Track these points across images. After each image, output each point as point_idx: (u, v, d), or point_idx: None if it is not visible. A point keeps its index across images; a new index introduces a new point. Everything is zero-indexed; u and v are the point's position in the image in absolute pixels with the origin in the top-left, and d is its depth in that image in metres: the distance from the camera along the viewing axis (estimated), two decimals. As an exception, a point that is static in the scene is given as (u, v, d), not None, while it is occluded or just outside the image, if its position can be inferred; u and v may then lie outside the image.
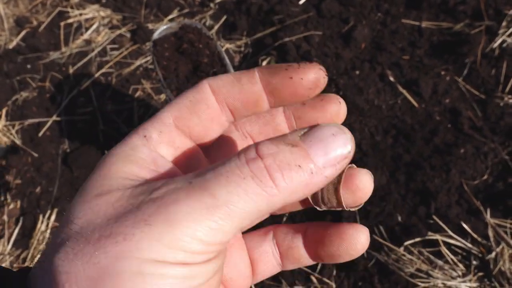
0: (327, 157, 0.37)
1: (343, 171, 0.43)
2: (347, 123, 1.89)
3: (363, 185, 0.45)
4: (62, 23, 2.47)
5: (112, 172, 0.38)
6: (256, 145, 0.37)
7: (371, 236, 1.66)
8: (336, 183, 0.44)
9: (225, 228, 0.34)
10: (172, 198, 0.34)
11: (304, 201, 0.48)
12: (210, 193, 0.34)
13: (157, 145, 0.41)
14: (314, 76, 0.43)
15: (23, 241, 1.85)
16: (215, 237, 0.34)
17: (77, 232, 0.34)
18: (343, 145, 0.38)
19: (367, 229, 0.45)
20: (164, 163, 0.40)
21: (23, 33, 2.44)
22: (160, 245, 0.33)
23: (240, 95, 0.43)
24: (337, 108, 0.48)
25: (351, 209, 0.46)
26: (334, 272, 1.63)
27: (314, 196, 0.46)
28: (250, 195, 0.34)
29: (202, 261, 0.35)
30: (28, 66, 2.35)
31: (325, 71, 0.44)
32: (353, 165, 0.46)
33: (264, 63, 2.14)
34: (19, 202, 1.95)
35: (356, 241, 0.44)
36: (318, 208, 0.46)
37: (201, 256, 0.34)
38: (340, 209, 0.45)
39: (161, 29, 1.45)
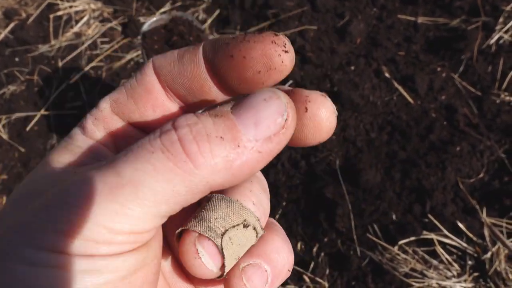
0: (258, 128, 0.30)
1: None
2: (341, 119, 1.86)
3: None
4: (51, 16, 2.41)
5: (46, 164, 0.35)
6: (176, 118, 0.31)
7: (364, 235, 1.63)
8: None
9: (134, 213, 0.28)
10: (78, 179, 0.30)
11: None
12: (115, 171, 0.29)
13: (92, 133, 0.37)
14: (260, 53, 0.33)
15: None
16: (122, 223, 0.28)
17: None
18: (276, 112, 0.31)
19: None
20: (101, 151, 0.37)
21: (11, 25, 2.39)
22: (54, 233, 0.28)
23: (181, 78, 0.36)
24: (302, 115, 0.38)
25: None
26: (327, 271, 1.60)
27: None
28: (160, 171, 0.29)
29: (110, 253, 0.29)
30: (16, 59, 2.29)
31: (284, 43, 0.33)
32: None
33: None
34: (5, 198, 1.90)
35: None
36: None
37: (108, 248, 0.29)
38: None
39: (151, 21, 1.41)
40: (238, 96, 0.35)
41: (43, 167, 0.35)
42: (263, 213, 0.38)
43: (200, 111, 0.35)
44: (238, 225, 0.36)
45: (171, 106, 0.38)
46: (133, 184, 0.28)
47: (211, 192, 0.33)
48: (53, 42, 2.35)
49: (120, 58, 2.27)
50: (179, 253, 0.35)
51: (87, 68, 2.24)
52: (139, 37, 2.18)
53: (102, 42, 2.35)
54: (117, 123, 0.38)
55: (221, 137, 0.30)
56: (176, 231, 0.36)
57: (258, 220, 0.37)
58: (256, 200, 0.38)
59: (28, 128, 2.05)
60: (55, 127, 2.07)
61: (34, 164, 1.97)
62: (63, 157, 0.35)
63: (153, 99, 0.37)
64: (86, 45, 2.32)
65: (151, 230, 0.30)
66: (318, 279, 1.58)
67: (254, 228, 0.37)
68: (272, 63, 0.33)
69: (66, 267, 0.28)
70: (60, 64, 2.26)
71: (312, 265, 1.61)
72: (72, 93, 2.17)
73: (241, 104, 0.31)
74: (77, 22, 2.42)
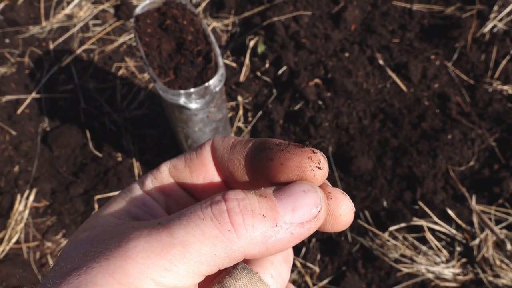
0: (295, 214, 0.35)
1: None
2: (334, 106, 1.86)
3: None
4: (42, -4, 2.37)
5: (105, 210, 0.41)
6: (227, 191, 0.36)
7: (355, 221, 1.64)
8: None
9: (180, 270, 0.33)
10: (136, 234, 0.34)
11: None
12: (168, 231, 0.34)
13: (149, 189, 0.44)
14: (296, 164, 0.38)
15: (0, 221, 1.79)
16: (168, 278, 0.33)
17: (57, 263, 0.36)
18: (312, 203, 0.36)
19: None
20: (153, 205, 0.43)
21: (1, 6, 2.34)
22: (112, 280, 0.33)
23: (229, 164, 0.42)
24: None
25: None
26: (318, 257, 1.62)
27: None
28: (207, 236, 0.33)
29: None
30: (7, 41, 2.26)
31: (319, 160, 0.38)
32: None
33: (251, 42, 2.09)
34: (-4, 182, 1.88)
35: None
36: None
37: None
38: None
39: (144, 3, 1.39)
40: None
41: (104, 213, 0.41)
42: (281, 284, 0.44)
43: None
44: None
45: (218, 180, 0.44)
46: (182, 245, 0.33)
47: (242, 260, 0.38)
48: (44, 23, 2.31)
49: (112, 41, 2.25)
50: None
51: (79, 51, 2.21)
52: (131, 20, 2.15)
53: (94, 25, 2.31)
54: (171, 184, 0.44)
55: (263, 215, 0.35)
56: None
57: None
58: (276, 272, 0.43)
59: (19, 111, 2.03)
60: (47, 110, 2.06)
61: (25, 147, 1.95)
62: (122, 206, 0.42)
63: (205, 171, 0.43)
64: (78, 27, 2.29)
65: (190, 286, 0.35)
66: (309, 264, 1.60)
67: None
68: (305, 175, 0.38)
69: None
70: (51, 46, 2.23)
71: (303, 251, 1.63)
72: (63, 76, 2.15)
73: (283, 190, 0.37)
74: (68, 3, 2.38)
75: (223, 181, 0.44)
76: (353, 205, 0.41)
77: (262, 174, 0.40)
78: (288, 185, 0.37)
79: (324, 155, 0.39)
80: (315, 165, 0.38)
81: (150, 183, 0.44)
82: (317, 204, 0.36)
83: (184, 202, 0.44)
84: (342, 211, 0.39)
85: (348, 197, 0.40)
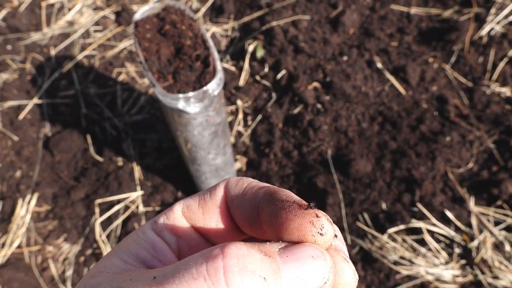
0: (299, 280, 0.32)
1: None
2: (333, 109, 1.87)
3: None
4: (43, 3, 2.40)
5: (115, 251, 0.40)
6: (227, 243, 0.33)
7: (354, 224, 1.65)
8: None
9: None
10: None
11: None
12: None
13: (161, 230, 0.42)
14: (297, 227, 0.35)
15: (2, 226, 1.81)
16: None
17: None
18: (319, 274, 0.33)
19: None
20: (162, 249, 0.41)
21: (3, 13, 2.37)
22: None
23: (240, 209, 0.40)
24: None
25: None
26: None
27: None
28: None
29: None
30: (8, 47, 2.28)
31: (322, 226, 0.35)
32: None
33: (251, 47, 2.11)
34: (-2, 187, 1.90)
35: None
36: None
37: None
38: None
39: (143, 9, 1.41)
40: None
41: (113, 255, 0.40)
42: None
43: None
44: None
45: (231, 224, 0.42)
46: None
47: None
48: (45, 30, 2.33)
49: (113, 47, 2.27)
50: None
51: (80, 57, 2.23)
52: (132, 26, 2.17)
53: (95, 31, 2.34)
54: (183, 225, 0.43)
55: (264, 278, 0.31)
56: None
57: None
58: None
59: (21, 117, 2.05)
60: (48, 116, 2.07)
61: (27, 152, 1.97)
62: (131, 249, 0.40)
63: (218, 214, 0.42)
64: (79, 33, 2.31)
65: None
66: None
67: None
68: (305, 239, 0.35)
69: None
70: (52, 52, 2.25)
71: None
72: (65, 82, 2.17)
73: (289, 251, 0.33)
74: (69, 10, 2.40)
75: (236, 226, 0.42)
76: (356, 274, 0.37)
77: (269, 228, 0.38)
78: (296, 246, 0.34)
79: (329, 219, 0.36)
80: (317, 231, 0.35)
81: (163, 223, 0.43)
82: (325, 275, 0.33)
83: (196, 244, 0.43)
84: (341, 280, 0.36)
85: (351, 264, 0.37)
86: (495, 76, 1.90)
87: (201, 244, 0.43)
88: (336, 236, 0.38)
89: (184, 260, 0.34)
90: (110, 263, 0.39)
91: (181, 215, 0.43)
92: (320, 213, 0.35)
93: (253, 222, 0.39)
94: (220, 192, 0.42)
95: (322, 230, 0.35)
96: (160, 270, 0.34)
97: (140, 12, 1.40)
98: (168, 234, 0.42)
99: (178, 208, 0.43)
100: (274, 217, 0.36)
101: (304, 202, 0.36)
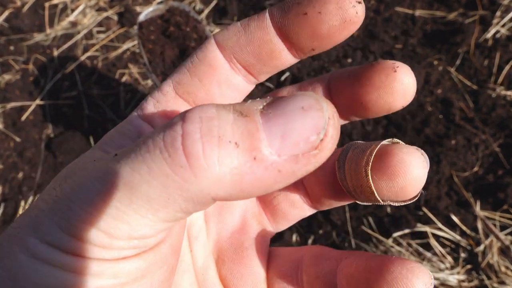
0: (285, 142, 0.24)
1: (373, 147, 0.30)
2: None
3: (404, 170, 0.31)
4: (46, 4, 2.39)
5: (99, 143, 0.34)
6: (194, 107, 0.26)
7: (359, 228, 1.64)
8: (364, 164, 0.31)
9: (131, 219, 0.25)
10: (86, 175, 0.27)
11: (338, 193, 0.37)
12: (115, 170, 0.25)
13: (152, 116, 0.35)
14: (335, 6, 0.31)
15: (4, 227, 1.80)
16: (118, 228, 0.25)
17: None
18: (312, 127, 0.24)
19: (424, 270, 0.32)
20: None
21: (6, 13, 2.36)
22: (56, 227, 0.26)
23: (250, 46, 0.33)
24: (391, 79, 0.33)
25: (395, 204, 0.31)
26: (322, 263, 1.61)
27: (343, 183, 0.34)
28: (155, 175, 0.24)
29: (109, 258, 0.26)
30: (11, 48, 2.27)
31: None
32: (394, 139, 0.33)
33: (254, 49, 2.10)
34: (0, 188, 1.89)
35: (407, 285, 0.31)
36: (357, 202, 0.34)
37: (108, 252, 0.26)
38: (381, 203, 0.31)
39: (147, 11, 1.40)
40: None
41: (95, 147, 0.34)
42: None
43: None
44: None
45: (237, 81, 0.36)
46: (127, 187, 0.25)
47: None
48: (48, 31, 2.33)
49: (116, 48, 2.26)
50: None
51: (83, 58, 2.22)
52: (135, 27, 2.16)
53: (98, 32, 2.33)
54: (180, 107, 0.35)
55: (235, 143, 0.24)
56: None
57: None
58: None
59: (23, 118, 2.04)
60: (51, 117, 2.06)
61: (29, 154, 1.96)
62: (115, 140, 0.34)
63: (217, 75, 0.35)
64: (82, 34, 2.30)
65: (154, 236, 0.27)
66: (312, 270, 1.59)
67: None
68: (347, 14, 0.31)
69: (64, 267, 0.26)
70: (55, 53, 2.25)
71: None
72: (67, 83, 2.16)
73: (274, 106, 0.25)
74: (72, 11, 2.40)
75: (245, 83, 0.36)
76: (426, 158, 0.32)
77: (294, 41, 0.32)
78: (282, 99, 0.25)
79: None
80: (355, 0, 0.31)
81: (153, 108, 0.35)
82: (320, 128, 0.24)
83: None
84: (409, 80, 0.32)
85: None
86: (500, 79, 1.89)
87: None
88: None
89: (150, 132, 0.29)
90: (91, 155, 0.32)
91: (175, 95, 0.36)
92: None
93: (266, 55, 0.34)
94: (211, 50, 0.35)
95: None
96: (124, 148, 0.28)
97: (144, 13, 1.39)
98: (161, 119, 0.35)
99: (168, 88, 0.36)
100: (306, 13, 0.31)
101: None
